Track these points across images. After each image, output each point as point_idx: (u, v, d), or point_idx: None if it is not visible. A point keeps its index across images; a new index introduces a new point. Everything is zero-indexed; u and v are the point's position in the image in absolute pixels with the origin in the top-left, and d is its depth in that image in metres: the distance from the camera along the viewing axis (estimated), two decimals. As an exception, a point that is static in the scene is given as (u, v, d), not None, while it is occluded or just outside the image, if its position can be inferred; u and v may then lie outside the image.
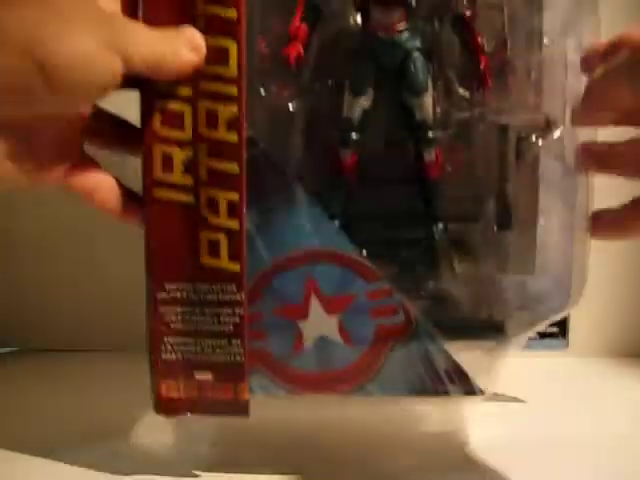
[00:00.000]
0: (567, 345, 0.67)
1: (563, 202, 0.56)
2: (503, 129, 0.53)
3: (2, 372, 0.79)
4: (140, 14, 0.48)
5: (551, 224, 0.57)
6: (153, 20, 0.47)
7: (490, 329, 0.53)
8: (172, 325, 0.51)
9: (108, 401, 0.68)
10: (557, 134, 0.52)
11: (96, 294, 0.83)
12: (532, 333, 0.55)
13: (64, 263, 0.83)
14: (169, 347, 0.51)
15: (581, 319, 0.69)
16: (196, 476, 0.54)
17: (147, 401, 0.62)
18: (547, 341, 0.65)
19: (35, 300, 0.84)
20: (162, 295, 0.50)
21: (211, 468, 0.55)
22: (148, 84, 0.48)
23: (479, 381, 0.52)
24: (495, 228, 0.54)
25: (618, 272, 0.78)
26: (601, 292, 0.76)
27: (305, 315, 0.52)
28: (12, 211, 0.82)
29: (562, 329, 0.66)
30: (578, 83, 0.54)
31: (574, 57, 0.55)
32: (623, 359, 0.76)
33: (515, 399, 0.65)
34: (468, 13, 0.54)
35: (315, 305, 0.51)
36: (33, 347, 0.85)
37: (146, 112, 0.48)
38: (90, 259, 0.82)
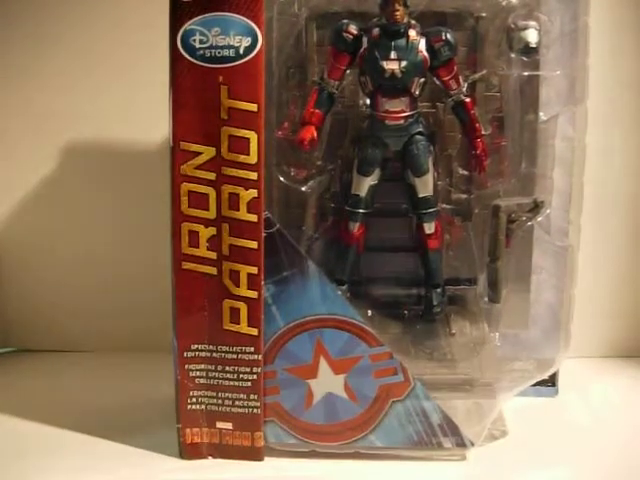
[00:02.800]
0: (556, 392, 0.73)
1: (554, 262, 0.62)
2: (496, 210, 0.58)
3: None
4: (170, 102, 0.55)
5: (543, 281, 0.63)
6: (183, 110, 0.54)
7: (481, 388, 0.59)
8: (197, 380, 0.58)
9: (105, 401, 0.71)
10: (545, 214, 0.58)
11: (93, 296, 0.84)
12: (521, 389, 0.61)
13: (61, 266, 0.84)
14: (194, 399, 0.58)
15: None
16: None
17: (143, 400, 0.68)
18: (537, 388, 0.70)
19: (32, 302, 0.85)
20: (188, 354, 0.57)
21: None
22: (176, 169, 0.55)
23: (470, 433, 0.58)
24: (486, 299, 0.60)
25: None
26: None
27: (314, 374, 0.58)
28: (9, 215, 0.84)
29: (551, 377, 0.72)
30: (569, 154, 0.60)
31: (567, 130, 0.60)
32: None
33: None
34: (468, 99, 0.59)
35: (324, 366, 0.57)
36: (30, 348, 0.86)
37: (175, 194, 0.55)
38: (87, 262, 0.84)
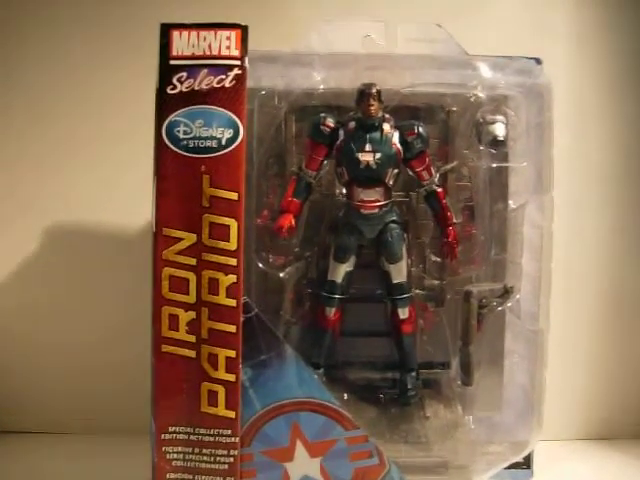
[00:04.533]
0: (531, 475, 0.73)
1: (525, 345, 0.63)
2: (467, 295, 0.60)
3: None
4: (154, 190, 0.57)
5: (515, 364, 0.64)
6: (166, 197, 0.56)
7: (455, 470, 0.60)
8: (174, 463, 0.58)
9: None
10: (515, 299, 0.60)
11: (74, 378, 0.84)
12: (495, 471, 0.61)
13: (43, 347, 0.84)
14: (171, 482, 0.59)
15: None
16: None
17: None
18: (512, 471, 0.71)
19: (12, 383, 0.84)
20: (166, 436, 0.57)
21: None
22: (158, 254, 0.56)
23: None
24: (459, 383, 0.61)
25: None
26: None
27: (291, 457, 0.58)
28: None
29: (526, 459, 0.72)
30: (538, 239, 0.62)
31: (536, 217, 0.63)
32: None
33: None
34: (440, 189, 0.62)
35: (300, 449, 0.58)
36: (10, 429, 0.84)
37: (157, 278, 0.56)
38: (68, 344, 0.83)
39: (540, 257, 0.62)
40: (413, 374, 0.62)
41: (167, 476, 0.58)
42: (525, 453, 0.64)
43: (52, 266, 0.82)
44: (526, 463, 0.71)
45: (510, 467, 0.64)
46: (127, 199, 0.78)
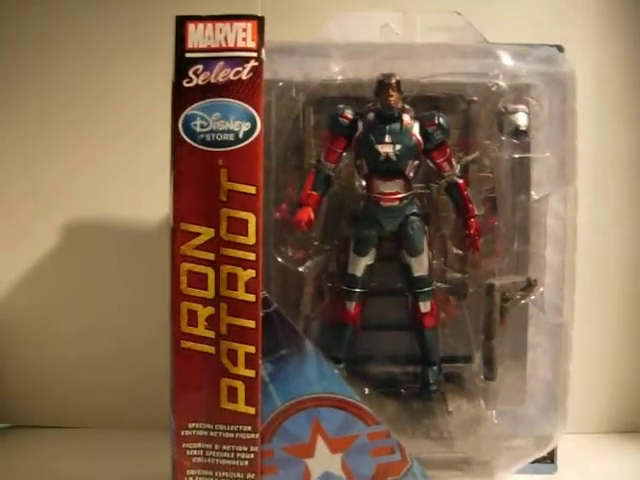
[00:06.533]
0: (556, 469, 0.72)
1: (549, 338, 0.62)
2: (490, 289, 0.59)
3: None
4: (171, 187, 0.56)
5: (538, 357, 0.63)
6: (184, 192, 0.56)
7: (478, 466, 0.59)
8: (194, 459, 0.57)
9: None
10: (538, 291, 0.59)
11: (92, 373, 0.84)
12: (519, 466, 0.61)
13: (60, 342, 0.84)
14: (191, 478, 0.58)
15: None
16: None
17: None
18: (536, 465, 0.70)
19: (30, 378, 0.84)
20: (185, 432, 0.57)
21: None
22: (176, 249, 0.56)
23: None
24: (482, 377, 0.60)
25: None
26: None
27: (311, 453, 0.58)
28: (9, 291, 0.84)
29: (550, 454, 0.71)
30: (561, 231, 0.61)
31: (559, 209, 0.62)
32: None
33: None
34: (461, 181, 0.61)
35: (320, 445, 0.57)
36: (27, 424, 0.84)
37: (175, 274, 0.56)
38: (86, 339, 0.83)
39: (564, 249, 0.61)
40: (435, 368, 0.62)
41: (187, 472, 0.57)
42: (549, 448, 0.63)
43: (69, 261, 0.82)
44: (550, 457, 0.70)
45: (534, 461, 0.63)
46: (144, 193, 0.78)
